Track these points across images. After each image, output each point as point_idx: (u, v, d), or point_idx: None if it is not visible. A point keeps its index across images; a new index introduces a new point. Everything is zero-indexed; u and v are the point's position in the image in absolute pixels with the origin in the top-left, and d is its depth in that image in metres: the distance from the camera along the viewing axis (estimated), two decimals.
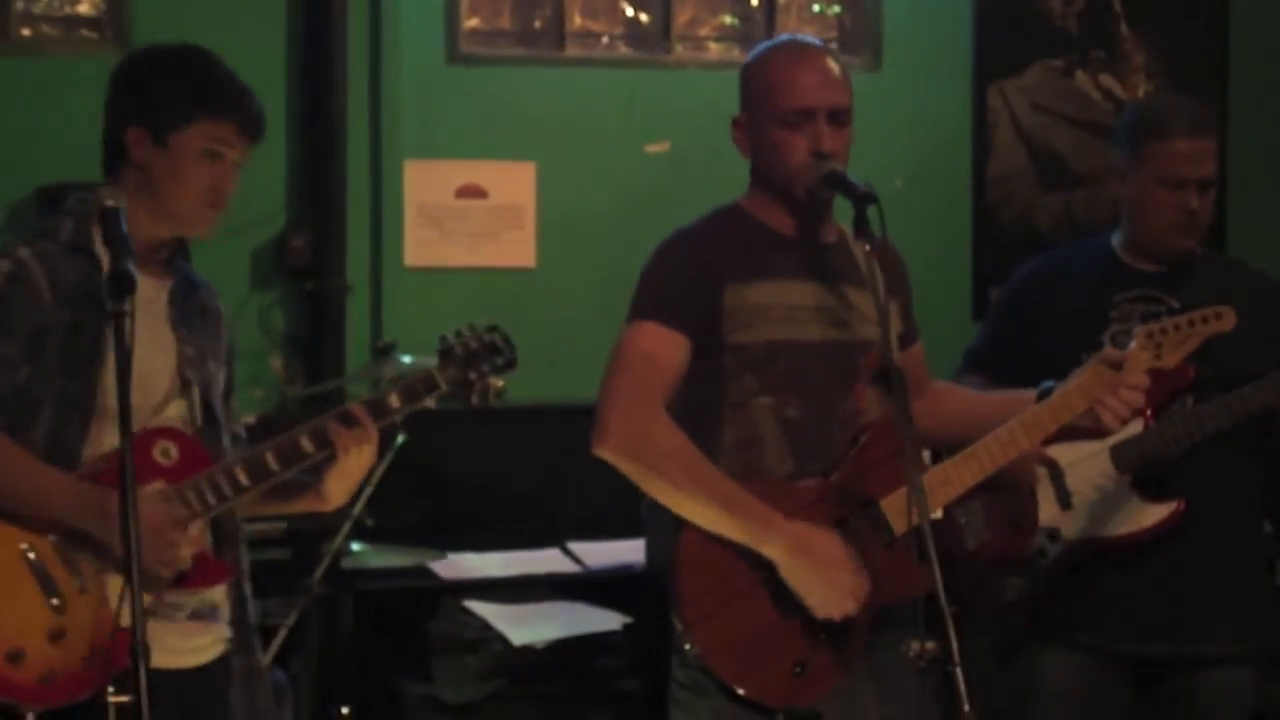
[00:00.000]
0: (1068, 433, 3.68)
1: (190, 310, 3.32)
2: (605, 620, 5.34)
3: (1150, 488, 3.92)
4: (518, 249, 6.21)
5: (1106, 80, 6.81)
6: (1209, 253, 4.12)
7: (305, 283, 5.94)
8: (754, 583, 3.32)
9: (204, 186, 3.20)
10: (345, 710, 5.01)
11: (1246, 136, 6.92)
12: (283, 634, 4.86)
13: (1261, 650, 4.06)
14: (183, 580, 3.10)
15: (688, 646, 3.34)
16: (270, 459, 3.16)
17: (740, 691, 3.31)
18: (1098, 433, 3.81)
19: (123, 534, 2.71)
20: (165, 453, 3.12)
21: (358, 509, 4.97)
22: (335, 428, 3.20)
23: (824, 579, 3.29)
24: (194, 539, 3.11)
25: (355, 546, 5.06)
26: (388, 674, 5.30)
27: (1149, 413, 3.85)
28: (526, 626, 5.27)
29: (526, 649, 5.21)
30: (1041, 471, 3.91)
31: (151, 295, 3.18)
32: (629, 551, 5.44)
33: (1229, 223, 6.88)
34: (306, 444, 3.19)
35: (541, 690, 5.24)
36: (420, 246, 6.10)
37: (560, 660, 5.24)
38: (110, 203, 2.99)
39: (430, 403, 3.30)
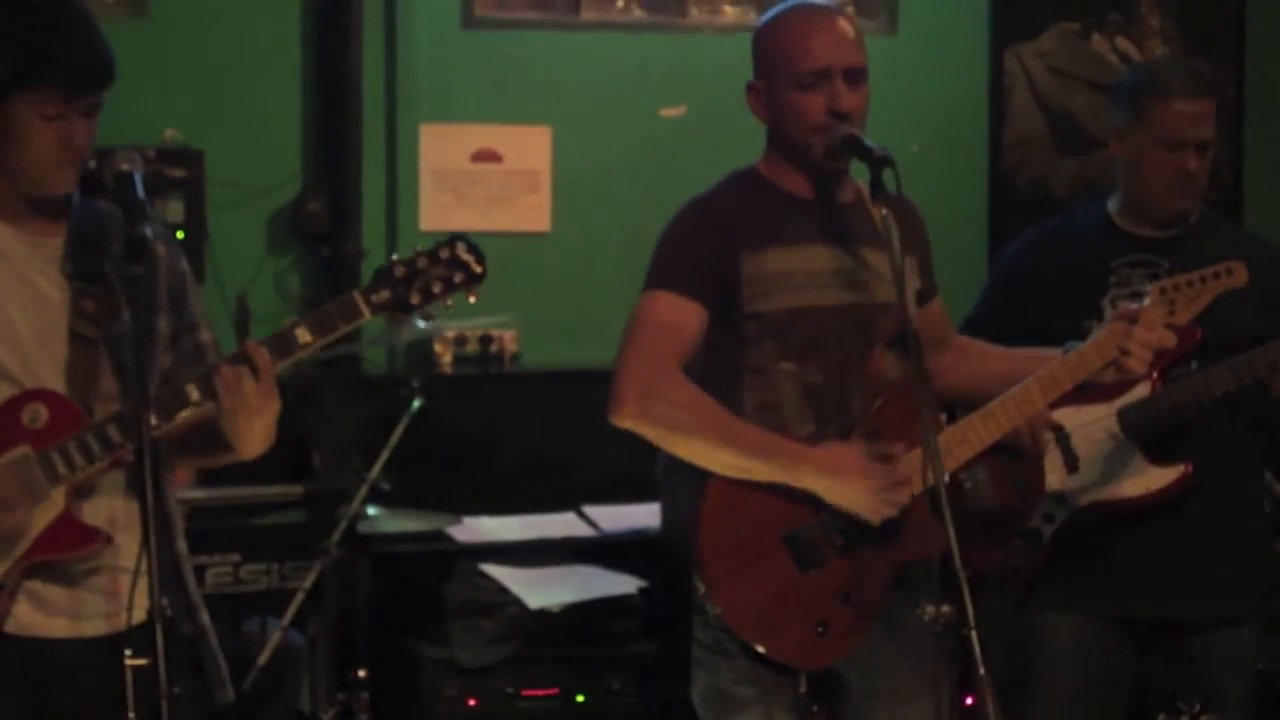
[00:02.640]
0: (1075, 394, 3.69)
1: (98, 260, 3.07)
2: (621, 584, 5.36)
3: (1156, 451, 3.93)
4: (533, 213, 6.21)
5: (1123, 43, 6.78)
6: (1206, 216, 4.10)
7: (321, 247, 5.94)
8: (775, 542, 3.33)
9: (51, 147, 2.98)
10: (362, 673, 5.03)
11: (1262, 100, 6.90)
12: (300, 597, 4.87)
13: (1263, 610, 4.08)
14: (41, 547, 2.95)
15: (710, 608, 3.35)
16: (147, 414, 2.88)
17: (762, 651, 3.33)
18: (1106, 395, 3.83)
19: (143, 506, 2.68)
20: (34, 416, 2.96)
21: (375, 473, 4.98)
22: (220, 367, 2.94)
23: (865, 489, 3.31)
24: (53, 504, 2.95)
25: (372, 510, 5.07)
26: (404, 637, 5.32)
27: (1156, 375, 3.86)
28: (542, 590, 5.28)
29: (542, 612, 5.22)
30: (1049, 435, 3.91)
31: (20, 251, 3.03)
32: (644, 515, 5.45)
33: (1245, 187, 6.87)
34: (192, 392, 2.95)
35: (557, 653, 5.25)
36: (436, 211, 6.10)
37: (576, 624, 5.26)
38: (125, 166, 2.97)
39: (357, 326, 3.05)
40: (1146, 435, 3.93)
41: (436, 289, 3.02)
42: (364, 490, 4.96)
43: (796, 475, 3.31)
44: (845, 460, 3.32)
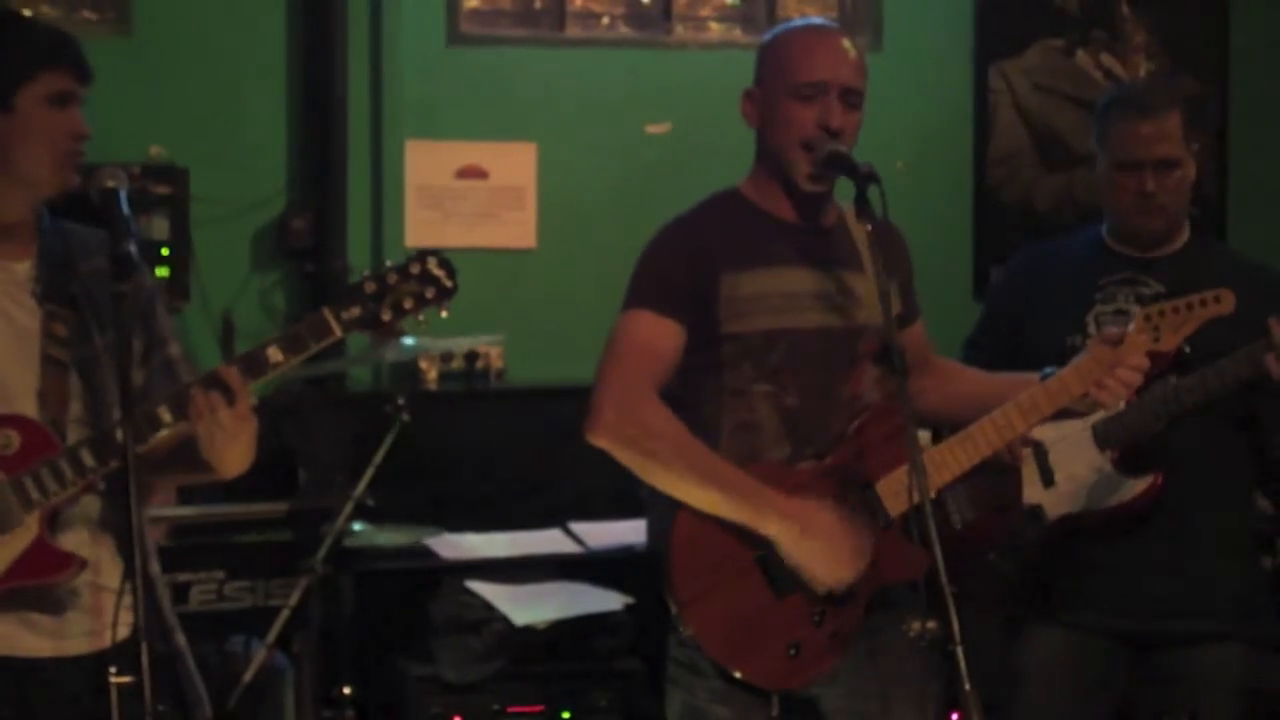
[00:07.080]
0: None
1: (67, 282, 3.09)
2: (607, 600, 5.35)
3: (1132, 464, 3.94)
4: (518, 230, 6.21)
5: (1107, 60, 6.80)
6: (1199, 240, 4.11)
7: (306, 264, 5.94)
8: (748, 564, 3.31)
9: (60, 137, 3.02)
10: (347, 691, 5.02)
11: (1246, 117, 6.92)
12: (285, 614, 4.86)
13: (1250, 627, 4.07)
14: (16, 573, 2.96)
15: (682, 628, 3.34)
16: (119, 435, 2.88)
17: (736, 674, 3.32)
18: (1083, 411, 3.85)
19: (126, 522, 2.67)
20: (6, 442, 2.95)
21: (360, 490, 4.97)
22: (195, 393, 2.92)
23: (822, 553, 3.28)
24: (27, 529, 2.95)
25: (357, 527, 5.06)
26: (389, 654, 5.31)
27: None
28: (528, 607, 5.27)
29: (528, 629, 5.21)
30: (1026, 451, 3.91)
31: None
32: (630, 532, 5.45)
33: (1229, 201, 6.89)
34: (164, 414, 2.95)
35: (543, 670, 5.24)
36: (421, 227, 6.10)
37: (562, 640, 5.25)
38: (110, 183, 2.97)
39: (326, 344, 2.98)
40: (1122, 448, 3.94)
41: (408, 304, 2.98)
42: (349, 507, 4.95)
43: (762, 521, 3.28)
44: (813, 518, 3.29)
